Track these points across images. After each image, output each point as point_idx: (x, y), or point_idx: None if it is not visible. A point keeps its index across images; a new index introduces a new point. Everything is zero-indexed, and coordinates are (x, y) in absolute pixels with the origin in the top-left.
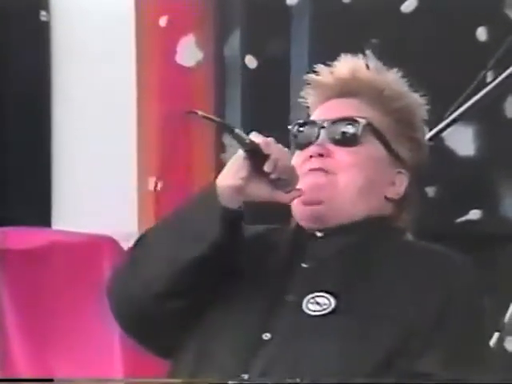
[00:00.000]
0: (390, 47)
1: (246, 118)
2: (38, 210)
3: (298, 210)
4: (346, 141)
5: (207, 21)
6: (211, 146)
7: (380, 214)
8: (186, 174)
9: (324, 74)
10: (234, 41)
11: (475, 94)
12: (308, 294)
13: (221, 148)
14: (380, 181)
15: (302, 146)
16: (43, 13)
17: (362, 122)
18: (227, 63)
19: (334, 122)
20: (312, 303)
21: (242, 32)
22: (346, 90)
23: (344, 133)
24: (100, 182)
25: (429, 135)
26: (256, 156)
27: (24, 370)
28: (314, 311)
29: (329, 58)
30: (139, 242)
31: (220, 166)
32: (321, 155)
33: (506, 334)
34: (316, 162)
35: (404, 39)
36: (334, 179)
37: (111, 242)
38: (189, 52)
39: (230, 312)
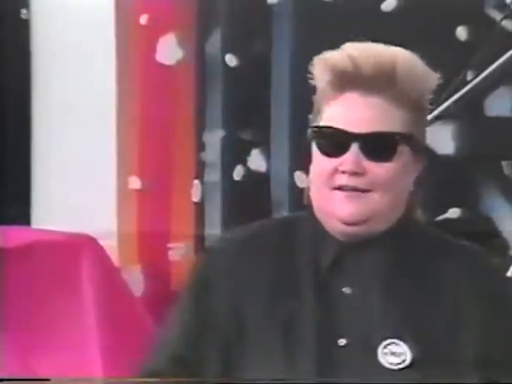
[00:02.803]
0: None
1: (227, 117)
2: (17, 209)
3: (330, 224)
4: (382, 157)
5: (188, 19)
6: (191, 144)
7: (406, 211)
8: (166, 173)
9: (339, 57)
10: (215, 39)
11: (455, 93)
12: (374, 338)
13: (201, 146)
14: (409, 182)
15: (330, 154)
16: (23, 11)
17: (398, 137)
18: (208, 62)
19: (369, 136)
20: (387, 354)
21: (222, 30)
22: (369, 85)
23: (380, 150)
24: (79, 180)
25: None
26: None
27: (11, 368)
28: (397, 364)
29: (310, 56)
30: None
31: (200, 165)
32: (355, 173)
33: None
34: (349, 180)
35: (384, 38)
36: (368, 199)
37: (90, 241)
38: (169, 50)
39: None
